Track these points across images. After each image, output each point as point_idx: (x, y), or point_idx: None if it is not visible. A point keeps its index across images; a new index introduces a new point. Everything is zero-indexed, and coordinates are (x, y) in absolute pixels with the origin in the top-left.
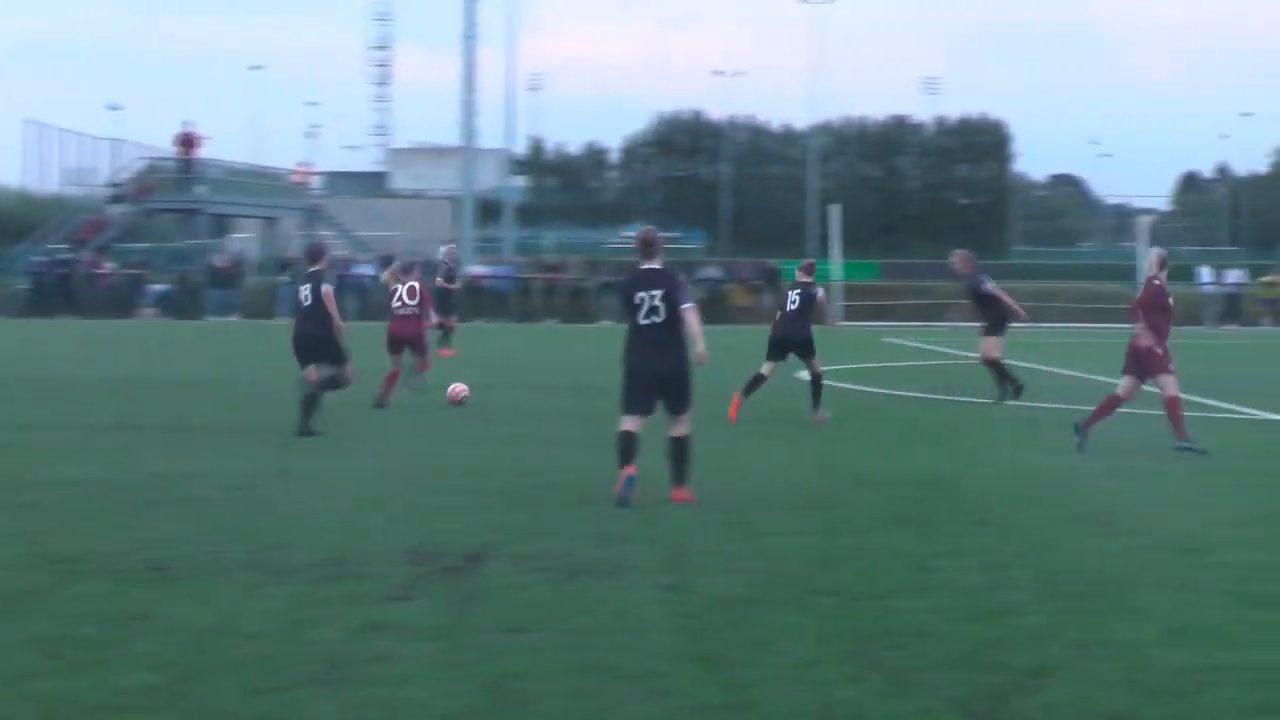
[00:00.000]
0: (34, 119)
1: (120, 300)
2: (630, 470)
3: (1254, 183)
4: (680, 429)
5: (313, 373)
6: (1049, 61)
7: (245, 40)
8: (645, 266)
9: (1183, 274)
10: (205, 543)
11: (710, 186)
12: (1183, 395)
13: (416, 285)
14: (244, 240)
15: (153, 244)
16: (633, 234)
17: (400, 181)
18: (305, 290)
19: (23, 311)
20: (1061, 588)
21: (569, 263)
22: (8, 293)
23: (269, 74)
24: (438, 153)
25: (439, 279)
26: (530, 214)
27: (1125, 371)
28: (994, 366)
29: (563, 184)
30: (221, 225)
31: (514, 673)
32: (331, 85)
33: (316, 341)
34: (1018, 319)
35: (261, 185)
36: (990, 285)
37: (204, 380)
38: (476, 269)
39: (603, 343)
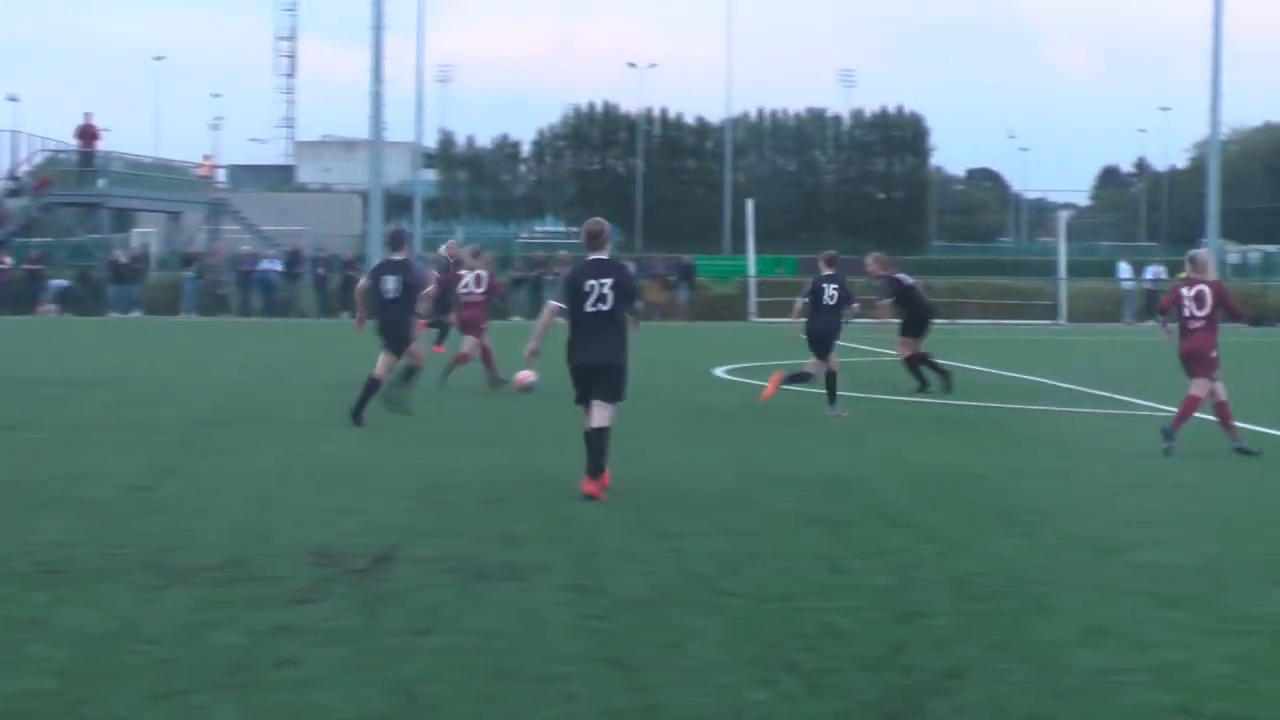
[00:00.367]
0: None
1: (19, 296)
2: (590, 488)
3: (1173, 177)
4: (603, 420)
5: (387, 362)
6: (967, 54)
7: (148, 30)
8: (593, 257)
9: (1103, 270)
10: (103, 544)
11: (624, 180)
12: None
13: (484, 274)
14: (147, 235)
15: (53, 239)
16: (543, 229)
17: (307, 175)
18: (391, 280)
19: None
20: (975, 588)
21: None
22: None
23: (172, 65)
24: (346, 146)
25: (436, 274)
26: (440, 208)
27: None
28: (918, 362)
29: (473, 178)
30: (124, 220)
31: (420, 676)
32: (237, 77)
33: (401, 329)
34: (933, 316)
35: (165, 179)
36: (907, 280)
37: (105, 378)
38: None
39: (514, 340)
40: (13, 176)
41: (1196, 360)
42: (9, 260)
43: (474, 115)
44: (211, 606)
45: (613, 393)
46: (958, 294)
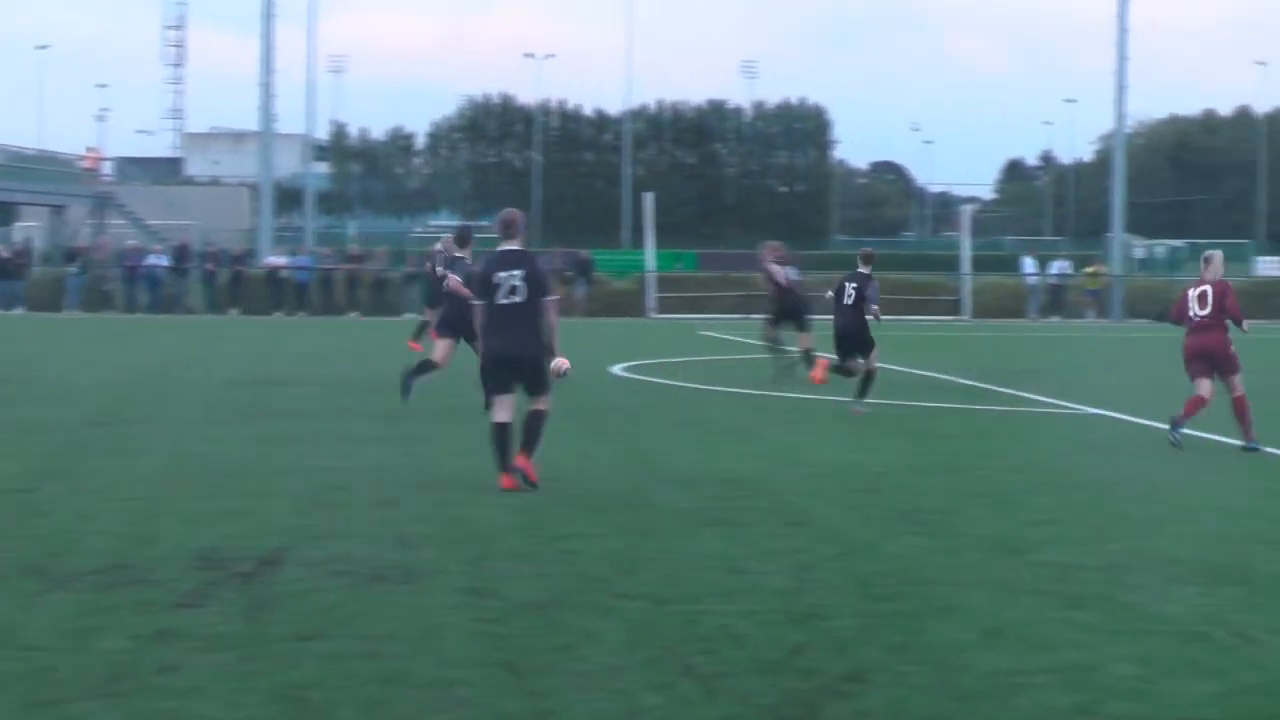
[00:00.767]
0: None
1: None
2: (508, 483)
3: (1078, 171)
4: (541, 405)
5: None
6: (870, 46)
7: (31, 19)
8: (505, 248)
9: (1007, 264)
10: None
11: (521, 173)
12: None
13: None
14: (30, 229)
15: None
16: (438, 223)
17: (196, 168)
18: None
19: None
20: (876, 589)
21: (373, 253)
22: None
23: (56, 54)
24: (235, 138)
25: (435, 268)
26: (332, 202)
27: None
28: (805, 353)
29: (366, 171)
30: (6, 213)
31: (307, 683)
32: (123, 67)
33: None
34: (806, 309)
35: (48, 171)
36: (781, 274)
37: None
38: (275, 259)
39: (405, 337)
40: None
41: (1207, 359)
42: None
43: (367, 106)
44: (93, 612)
45: (538, 385)
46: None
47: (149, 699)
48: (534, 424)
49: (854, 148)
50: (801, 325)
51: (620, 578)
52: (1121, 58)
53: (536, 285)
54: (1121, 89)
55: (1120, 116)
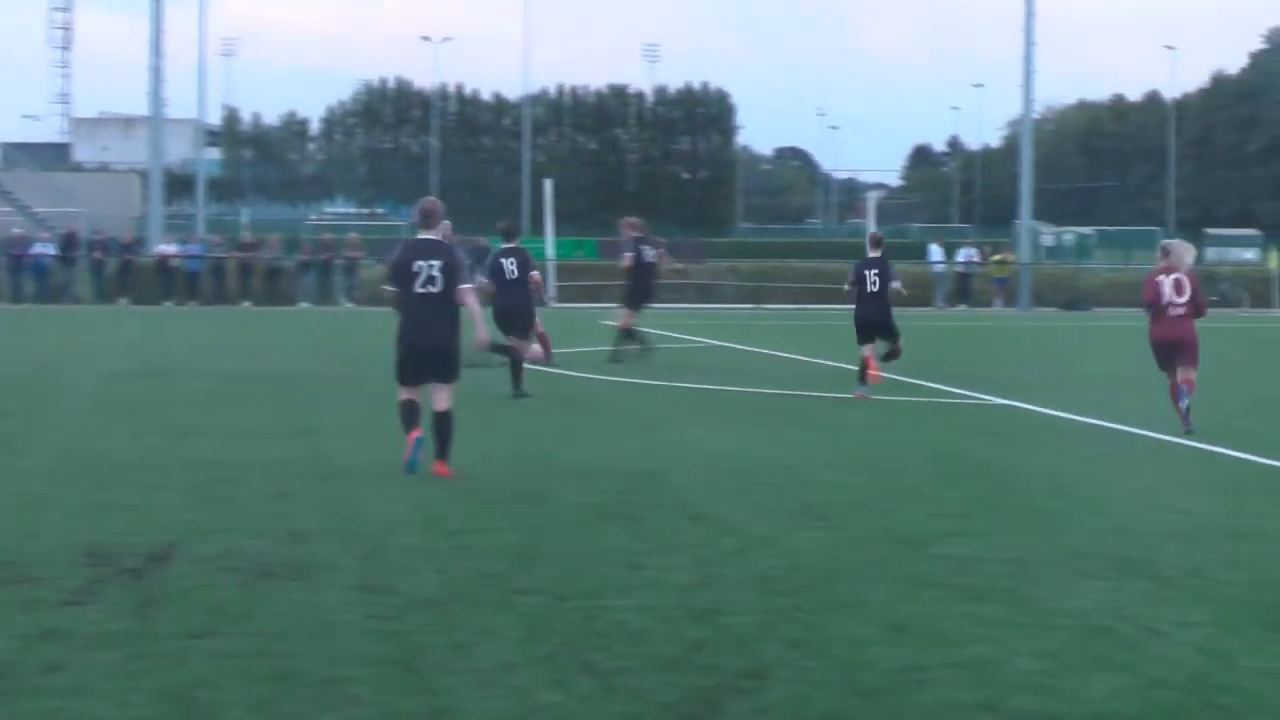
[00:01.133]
0: None
1: None
2: (416, 433)
3: (986, 157)
4: (444, 403)
5: (519, 344)
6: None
7: None
8: (423, 236)
9: (914, 252)
10: None
11: (418, 159)
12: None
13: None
14: None
15: None
16: (333, 210)
17: (84, 154)
18: (511, 264)
19: None
20: (777, 584)
21: (266, 241)
22: None
23: None
24: (125, 123)
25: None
26: (225, 189)
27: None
28: (625, 334)
29: (260, 157)
30: None
31: (196, 681)
32: (8, 49)
33: (519, 311)
34: (648, 296)
35: None
36: (649, 255)
37: None
38: (165, 248)
39: (299, 327)
40: None
41: (1182, 348)
42: None
43: (261, 91)
44: None
45: (448, 373)
46: (765, 278)
47: (34, 699)
48: (444, 428)
49: (758, 133)
50: (637, 306)
51: (518, 573)
52: (1029, 42)
53: (453, 275)
54: (1029, 74)
55: (1028, 102)
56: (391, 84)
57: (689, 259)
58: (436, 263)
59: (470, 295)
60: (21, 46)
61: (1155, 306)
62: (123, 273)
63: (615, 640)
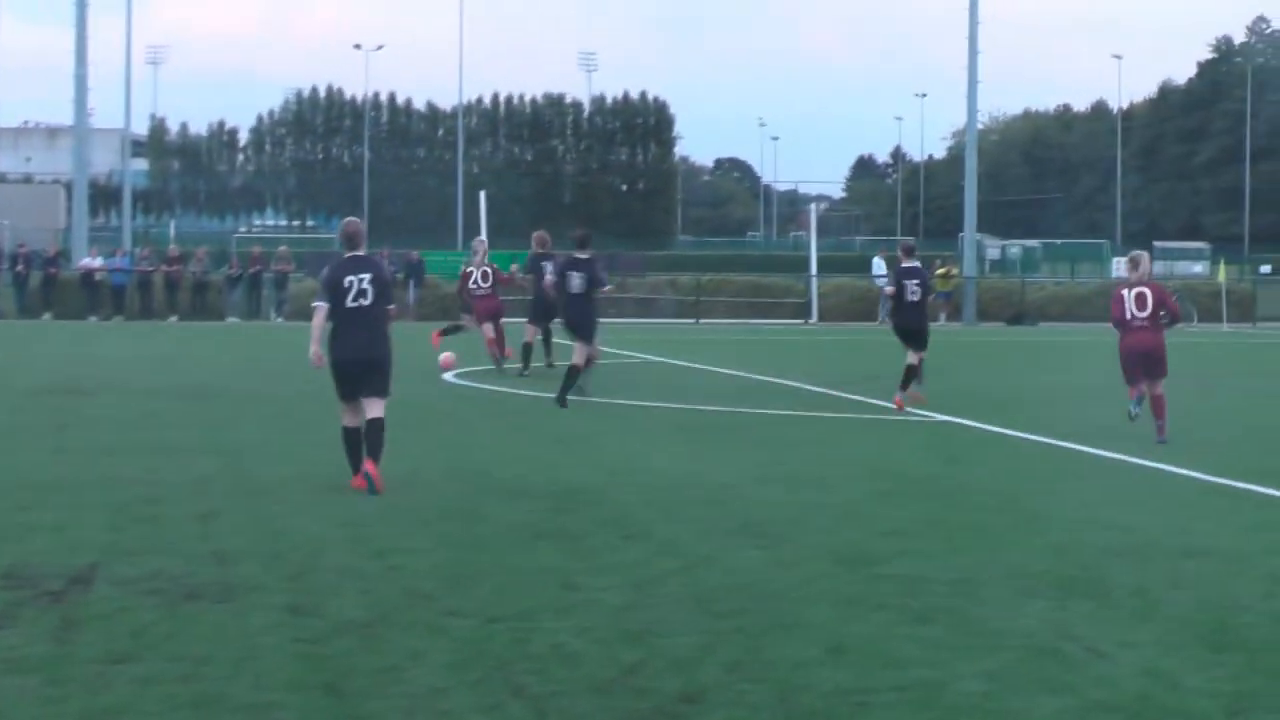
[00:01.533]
0: None
1: None
2: (360, 483)
3: (930, 168)
4: (377, 410)
5: (584, 351)
6: (714, 36)
7: None
8: (350, 254)
9: (857, 265)
10: None
11: (349, 170)
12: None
13: (490, 270)
14: None
15: None
16: (262, 222)
17: (7, 164)
18: (577, 278)
19: None
20: (716, 605)
21: (193, 254)
22: None
23: None
24: (48, 133)
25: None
26: (152, 200)
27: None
28: (526, 350)
29: (187, 167)
30: None
31: (118, 707)
32: None
33: (585, 321)
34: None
35: None
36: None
37: None
38: (90, 261)
39: (227, 342)
40: None
41: (1149, 360)
42: None
43: (188, 99)
44: None
45: (381, 389)
46: (704, 292)
47: None
48: (376, 433)
49: (698, 144)
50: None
51: (448, 594)
52: (973, 51)
53: (383, 289)
54: (973, 83)
55: (972, 112)
56: (322, 93)
57: (627, 272)
58: (366, 276)
59: (390, 315)
60: None
61: (1120, 322)
62: (46, 286)
63: (549, 663)
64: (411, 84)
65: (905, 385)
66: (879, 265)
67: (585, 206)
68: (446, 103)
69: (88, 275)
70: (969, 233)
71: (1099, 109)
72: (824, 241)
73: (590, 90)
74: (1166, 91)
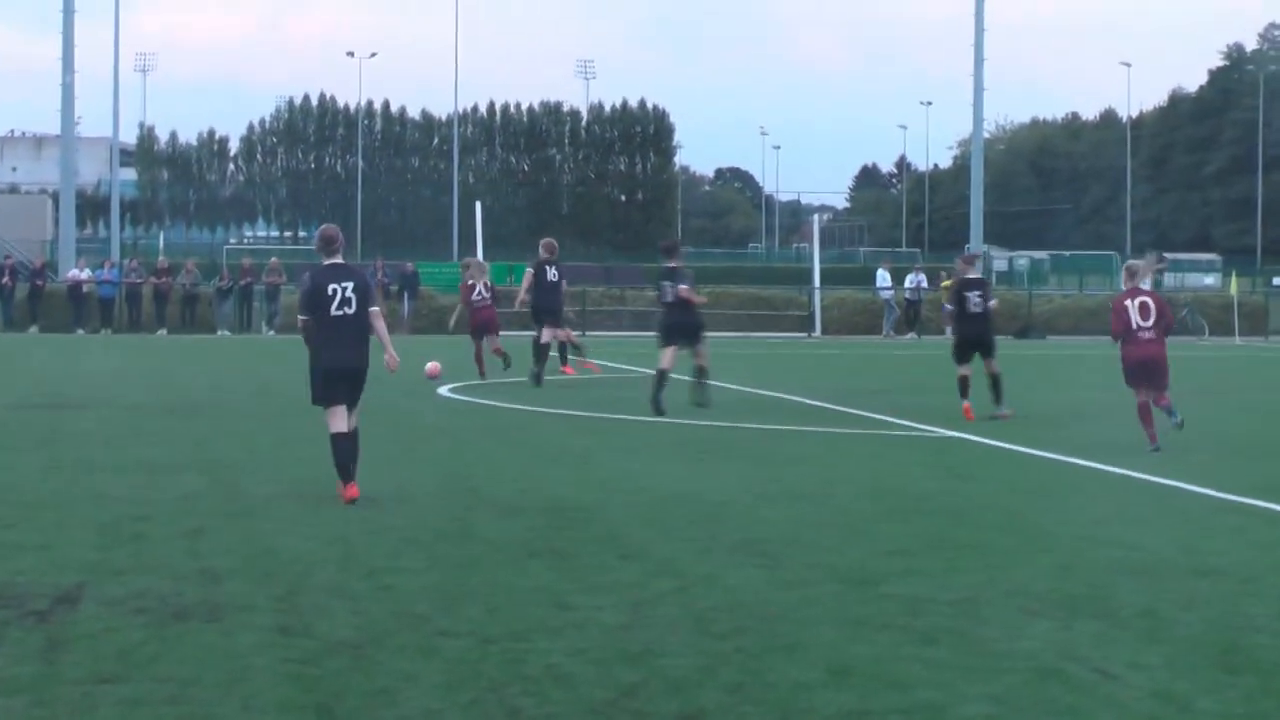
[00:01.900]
0: None
1: None
2: (354, 493)
3: (935, 178)
4: (351, 423)
5: (667, 357)
6: (714, 44)
7: None
8: (330, 262)
9: (861, 277)
10: None
11: (342, 180)
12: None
13: (489, 281)
14: None
15: None
16: (254, 233)
17: None
18: (669, 286)
19: None
20: (715, 626)
21: (183, 266)
22: None
23: None
24: (35, 142)
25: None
26: (141, 211)
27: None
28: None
29: (177, 177)
30: None
31: None
32: None
33: (690, 327)
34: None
35: None
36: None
37: None
38: (77, 273)
39: (217, 356)
40: None
41: (1156, 370)
42: None
43: (178, 107)
44: None
45: (358, 394)
46: (704, 304)
47: None
48: (351, 449)
49: (698, 153)
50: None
51: (441, 614)
52: (979, 58)
53: (365, 296)
54: (979, 91)
55: (978, 120)
56: (315, 101)
57: (626, 284)
58: (349, 284)
59: (379, 318)
60: None
61: (1124, 333)
62: (32, 299)
63: (544, 685)
64: (406, 92)
65: (999, 397)
66: (883, 277)
67: (583, 217)
68: (441, 111)
69: (75, 287)
70: (975, 244)
71: (1108, 117)
72: (827, 253)
73: (588, 98)
74: (1177, 100)
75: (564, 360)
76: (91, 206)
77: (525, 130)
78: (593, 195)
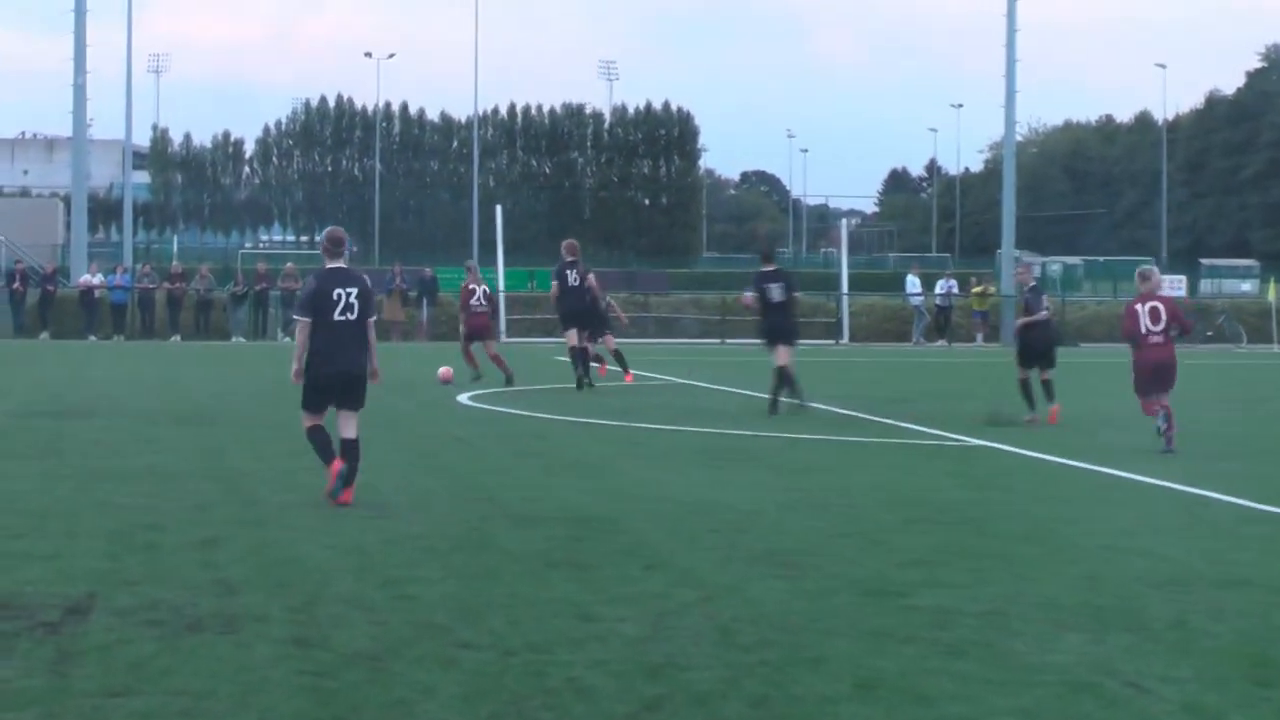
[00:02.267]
0: None
1: None
2: (339, 465)
3: (966, 181)
4: (353, 430)
5: (783, 355)
6: (740, 45)
7: None
8: (334, 265)
9: (890, 283)
10: None
11: (359, 183)
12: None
13: (487, 289)
14: None
15: None
16: (269, 238)
17: (2, 177)
18: (776, 288)
19: None
20: (738, 638)
21: (197, 271)
22: None
23: None
24: (46, 145)
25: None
26: (154, 215)
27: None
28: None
29: (191, 180)
30: None
31: None
32: None
33: (786, 331)
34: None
35: None
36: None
37: None
38: (89, 278)
39: (231, 362)
40: None
41: (1167, 373)
42: None
43: (192, 109)
44: None
45: (358, 400)
46: (729, 310)
47: None
48: (353, 456)
49: (723, 156)
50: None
51: (461, 625)
52: (1011, 60)
53: (367, 303)
54: (1011, 93)
55: (1010, 123)
56: (331, 103)
57: (650, 290)
58: (353, 289)
59: (371, 328)
60: None
61: (1134, 336)
62: (43, 304)
63: (565, 697)
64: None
65: (1051, 396)
66: (913, 283)
67: (605, 221)
68: (461, 113)
69: (87, 293)
70: (1007, 249)
71: (1142, 120)
72: (855, 258)
73: (611, 100)
74: (1213, 102)
75: (624, 368)
76: (104, 210)
77: (546, 133)
78: (615, 199)
